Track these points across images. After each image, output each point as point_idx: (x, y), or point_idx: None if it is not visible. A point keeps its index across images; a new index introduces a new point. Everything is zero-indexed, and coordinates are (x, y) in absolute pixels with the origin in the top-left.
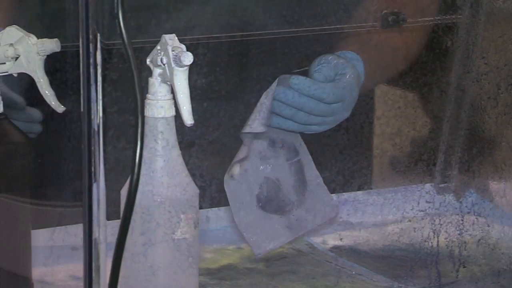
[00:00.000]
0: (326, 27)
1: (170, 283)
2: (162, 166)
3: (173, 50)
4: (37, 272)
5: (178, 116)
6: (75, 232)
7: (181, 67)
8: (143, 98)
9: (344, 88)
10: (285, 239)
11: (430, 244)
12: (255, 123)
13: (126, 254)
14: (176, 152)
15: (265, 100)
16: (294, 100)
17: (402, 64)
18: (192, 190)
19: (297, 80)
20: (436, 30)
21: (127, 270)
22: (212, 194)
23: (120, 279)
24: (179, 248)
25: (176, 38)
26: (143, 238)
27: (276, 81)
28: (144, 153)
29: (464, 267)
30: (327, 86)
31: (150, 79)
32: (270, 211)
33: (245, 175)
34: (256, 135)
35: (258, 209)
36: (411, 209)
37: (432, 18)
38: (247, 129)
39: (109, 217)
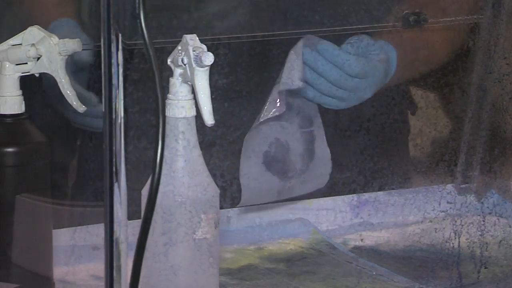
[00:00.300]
0: (347, 27)
1: (190, 283)
2: (183, 166)
3: (194, 50)
4: (58, 271)
5: (198, 116)
6: (96, 232)
7: (202, 67)
8: (164, 98)
9: (370, 65)
10: (269, 199)
11: (451, 245)
12: (294, 79)
13: (147, 254)
14: (197, 152)
15: (295, 58)
16: (317, 65)
17: (433, 61)
18: (213, 190)
19: (325, 45)
20: (457, 30)
21: (148, 270)
22: (233, 194)
23: (141, 279)
24: (199, 248)
25: (197, 38)
26: (164, 238)
27: (301, 40)
28: (165, 153)
29: (486, 268)
30: (354, 58)
31: (171, 79)
32: (273, 171)
33: (260, 130)
34: (292, 92)
35: (262, 166)
36: (432, 210)
37: (453, 18)
38: (284, 86)
39: (130, 217)
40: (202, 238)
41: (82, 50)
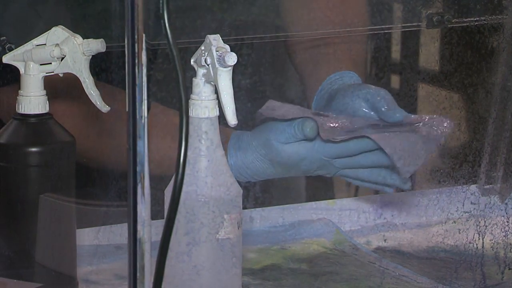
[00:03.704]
0: (370, 27)
1: (213, 283)
2: (206, 166)
3: (217, 51)
4: (82, 270)
5: (222, 116)
6: (119, 232)
7: (225, 67)
8: (187, 98)
9: None
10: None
11: (475, 246)
12: None
13: (170, 253)
14: (220, 152)
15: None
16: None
17: None
18: (235, 190)
19: None
20: (481, 31)
21: (171, 270)
22: (255, 194)
23: (164, 279)
24: (222, 248)
25: (220, 38)
26: (187, 238)
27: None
28: (188, 153)
29: (510, 269)
30: None
31: (194, 79)
32: None
33: None
34: None
35: None
36: (456, 211)
37: (477, 18)
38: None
39: (153, 216)
40: (225, 238)
41: None
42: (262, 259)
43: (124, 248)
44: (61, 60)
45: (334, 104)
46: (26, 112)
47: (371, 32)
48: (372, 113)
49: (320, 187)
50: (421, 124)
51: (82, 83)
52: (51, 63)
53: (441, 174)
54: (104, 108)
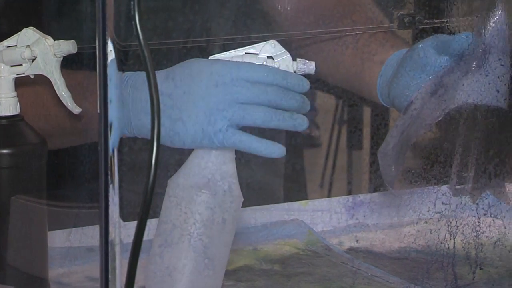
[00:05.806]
0: (350, 27)
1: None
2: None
3: None
4: (53, 273)
5: None
6: (91, 233)
7: None
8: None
9: None
10: None
11: (446, 246)
12: None
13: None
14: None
15: None
16: None
17: None
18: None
19: None
20: (452, 32)
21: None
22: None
23: (136, 280)
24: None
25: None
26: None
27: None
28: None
29: (481, 269)
30: None
31: None
32: None
33: None
34: None
35: None
36: (427, 211)
37: (448, 20)
38: None
39: (126, 218)
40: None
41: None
42: (235, 260)
43: (96, 250)
44: (32, 62)
45: (404, 68)
46: None
47: (341, 34)
48: (441, 57)
49: (292, 188)
50: None
51: (54, 85)
52: (22, 65)
53: (413, 174)
54: (75, 109)
